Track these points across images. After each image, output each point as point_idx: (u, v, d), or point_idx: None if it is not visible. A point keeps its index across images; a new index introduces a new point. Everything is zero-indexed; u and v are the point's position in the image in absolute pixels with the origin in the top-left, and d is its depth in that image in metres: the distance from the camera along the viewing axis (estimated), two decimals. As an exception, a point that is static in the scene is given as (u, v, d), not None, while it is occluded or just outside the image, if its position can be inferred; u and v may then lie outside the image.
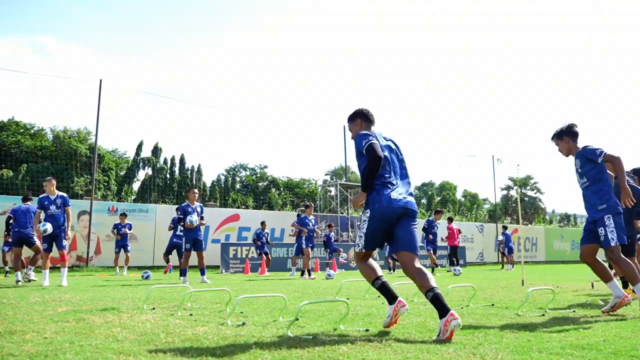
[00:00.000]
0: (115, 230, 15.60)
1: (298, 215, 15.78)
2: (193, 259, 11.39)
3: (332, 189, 32.02)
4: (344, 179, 30.44)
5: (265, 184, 50.11)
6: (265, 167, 51.84)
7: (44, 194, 9.51)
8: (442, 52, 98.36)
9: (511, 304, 5.80)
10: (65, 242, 9.47)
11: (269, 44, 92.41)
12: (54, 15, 79.48)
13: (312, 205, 14.35)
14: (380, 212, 3.94)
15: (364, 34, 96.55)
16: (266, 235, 16.97)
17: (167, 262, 14.66)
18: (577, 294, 7.22)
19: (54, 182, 9.66)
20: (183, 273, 10.74)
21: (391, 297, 3.98)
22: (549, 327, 4.00)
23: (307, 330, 3.91)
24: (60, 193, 9.60)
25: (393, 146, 4.27)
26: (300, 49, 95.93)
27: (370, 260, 4.14)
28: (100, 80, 18.16)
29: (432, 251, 15.84)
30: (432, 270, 16.00)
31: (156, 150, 41.28)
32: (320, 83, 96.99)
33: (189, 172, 43.59)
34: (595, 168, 5.22)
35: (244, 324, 4.18)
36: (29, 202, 10.68)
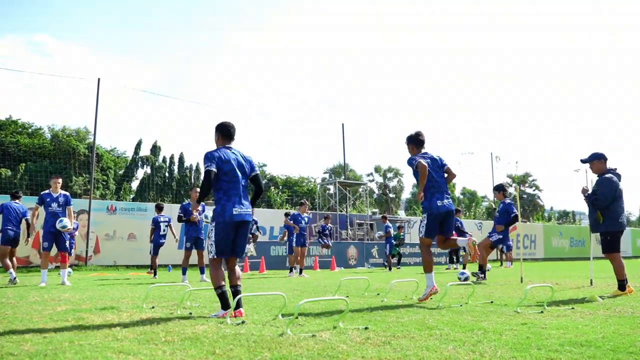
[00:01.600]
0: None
1: (286, 215, 15.64)
2: (193, 258, 11.37)
3: (331, 187, 32.04)
4: (343, 177, 30.43)
5: (263, 182, 50.07)
6: (264, 165, 51.83)
7: (46, 191, 9.48)
8: (440, 51, 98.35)
9: (510, 301, 5.81)
10: (67, 244, 9.46)
11: (268, 43, 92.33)
12: (52, 14, 79.33)
13: (307, 203, 14.35)
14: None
15: (364, 33, 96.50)
16: (255, 222, 16.00)
17: (155, 265, 13.13)
18: (576, 291, 7.23)
19: (60, 181, 9.64)
20: (183, 272, 10.73)
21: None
22: (548, 324, 4.01)
23: (306, 328, 3.92)
24: (63, 192, 9.58)
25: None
26: (300, 48, 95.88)
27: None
28: (99, 79, 18.12)
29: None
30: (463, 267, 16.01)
31: (155, 149, 41.23)
32: (319, 81, 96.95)
33: (188, 170, 43.56)
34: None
35: (243, 322, 4.19)
36: (17, 201, 10.38)
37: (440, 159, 6.29)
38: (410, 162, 6.14)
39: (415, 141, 6.32)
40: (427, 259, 6.22)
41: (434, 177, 6.07)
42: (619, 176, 6.80)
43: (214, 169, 4.66)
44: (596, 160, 6.90)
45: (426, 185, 5.94)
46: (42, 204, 9.33)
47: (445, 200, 6.02)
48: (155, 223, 12.93)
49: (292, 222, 13.91)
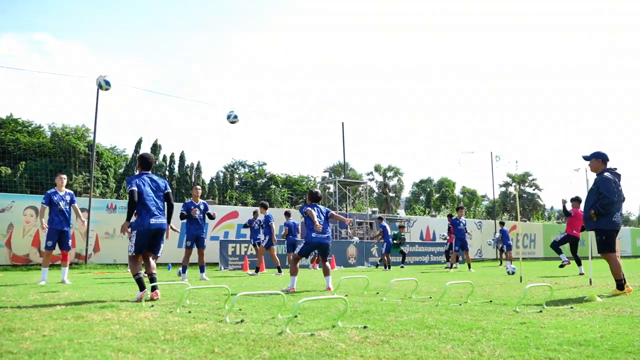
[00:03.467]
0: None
1: (287, 214, 16.07)
2: (193, 256, 11.37)
3: (331, 185, 32.02)
4: (343, 176, 30.42)
5: (264, 181, 50.10)
6: (264, 164, 51.84)
7: (53, 189, 9.47)
8: (441, 51, 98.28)
9: (509, 301, 5.81)
10: (70, 243, 9.47)
11: (269, 43, 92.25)
12: (53, 13, 79.27)
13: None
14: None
15: (364, 33, 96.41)
16: (259, 222, 15.99)
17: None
18: (575, 291, 7.24)
19: (65, 178, 9.64)
20: (183, 270, 10.74)
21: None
22: (547, 324, 4.01)
23: (305, 327, 3.92)
24: (68, 190, 9.59)
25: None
26: (300, 48, 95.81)
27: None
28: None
29: (458, 250, 15.68)
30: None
31: (155, 148, 41.26)
32: (320, 81, 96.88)
33: (189, 169, 43.59)
34: None
35: (242, 321, 4.19)
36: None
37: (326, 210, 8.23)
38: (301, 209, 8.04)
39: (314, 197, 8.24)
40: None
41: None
42: (618, 176, 6.81)
43: (135, 188, 6.18)
44: (594, 159, 6.92)
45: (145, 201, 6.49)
46: (50, 203, 9.29)
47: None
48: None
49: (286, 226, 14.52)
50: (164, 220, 6.36)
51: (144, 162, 6.54)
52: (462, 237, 15.44)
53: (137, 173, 6.54)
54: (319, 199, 8.27)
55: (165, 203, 6.51)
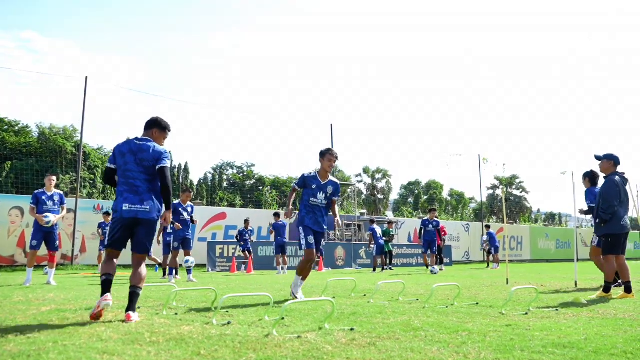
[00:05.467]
0: (100, 230, 15.42)
1: (276, 215, 16.20)
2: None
3: (320, 187, 31.99)
4: (331, 178, 30.42)
5: (252, 182, 49.98)
6: (252, 165, 51.72)
7: (40, 189, 9.37)
8: (430, 53, 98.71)
9: (495, 303, 5.85)
10: (57, 244, 9.37)
11: (257, 44, 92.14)
12: (40, 13, 78.60)
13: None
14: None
15: (353, 34, 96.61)
16: (249, 232, 16.95)
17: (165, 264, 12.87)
18: (561, 293, 7.30)
19: (54, 179, 9.53)
20: (170, 272, 10.70)
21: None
22: (532, 326, 4.04)
23: (292, 329, 3.92)
24: (57, 191, 9.48)
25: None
26: (289, 49, 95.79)
27: None
28: (86, 78, 18.01)
29: (427, 252, 15.74)
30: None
31: (142, 148, 40.92)
32: (308, 82, 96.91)
33: (176, 170, 43.38)
34: None
35: (229, 323, 4.18)
36: None
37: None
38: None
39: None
40: None
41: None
42: (625, 180, 6.85)
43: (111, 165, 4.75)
44: (605, 160, 6.93)
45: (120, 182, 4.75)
46: (37, 203, 9.19)
47: None
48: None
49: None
50: (146, 207, 4.58)
51: (146, 124, 4.89)
52: (430, 239, 15.54)
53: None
54: None
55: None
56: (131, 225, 4.57)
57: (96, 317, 4.26)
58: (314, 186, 6.55)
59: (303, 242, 6.47)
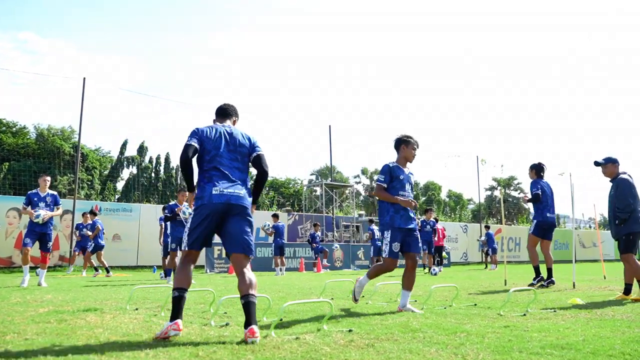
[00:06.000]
0: (77, 232, 15.30)
1: (274, 216, 16.14)
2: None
3: (318, 188, 32.05)
4: (330, 179, 30.45)
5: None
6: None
7: (34, 190, 9.33)
8: (427, 54, 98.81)
9: (493, 304, 5.85)
10: (51, 245, 9.33)
11: (256, 44, 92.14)
12: (38, 13, 78.50)
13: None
14: None
15: (351, 35, 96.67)
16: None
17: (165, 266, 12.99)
18: (559, 294, 7.31)
19: (48, 180, 9.48)
20: (167, 273, 10.68)
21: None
22: (530, 327, 4.05)
23: (290, 330, 3.92)
24: (51, 192, 9.44)
25: None
26: (286, 49, 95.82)
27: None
28: (84, 79, 18.00)
29: (426, 251, 15.79)
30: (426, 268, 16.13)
31: (142, 149, 40.95)
32: (307, 83, 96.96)
33: (174, 171, 43.33)
34: None
35: (227, 324, 4.18)
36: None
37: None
38: None
39: None
40: None
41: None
42: (631, 179, 6.82)
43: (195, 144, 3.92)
44: (610, 164, 6.90)
45: (208, 167, 4.03)
46: (29, 204, 9.14)
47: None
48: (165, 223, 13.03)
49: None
50: (239, 192, 3.92)
51: (218, 111, 4.33)
52: (428, 240, 15.58)
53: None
54: None
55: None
56: (221, 214, 3.82)
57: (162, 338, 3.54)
58: (401, 177, 5.59)
59: (386, 248, 5.48)
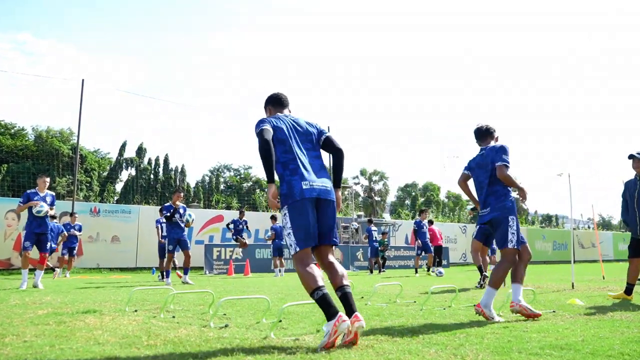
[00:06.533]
0: (65, 233, 15.19)
1: (273, 217, 16.01)
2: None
3: (317, 189, 31.97)
4: (329, 180, 30.38)
5: (249, 184, 49.96)
6: (250, 167, 51.70)
7: (32, 190, 9.31)
8: (426, 54, 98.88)
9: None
10: (48, 246, 9.32)
11: (256, 44, 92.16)
12: (36, 14, 78.48)
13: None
14: None
15: (349, 35, 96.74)
16: (244, 223, 16.26)
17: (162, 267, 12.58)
18: (558, 295, 7.31)
19: (47, 181, 9.46)
20: (166, 275, 10.68)
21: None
22: (529, 328, 4.05)
23: (290, 332, 3.92)
24: (49, 192, 9.43)
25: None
26: (286, 49, 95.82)
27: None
28: (83, 80, 18.01)
29: (420, 253, 15.81)
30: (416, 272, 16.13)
31: (140, 151, 40.95)
32: (306, 82, 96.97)
33: (173, 172, 43.31)
34: None
35: (227, 326, 4.18)
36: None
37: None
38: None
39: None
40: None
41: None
42: None
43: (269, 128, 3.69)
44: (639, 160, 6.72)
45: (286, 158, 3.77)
46: (27, 202, 9.11)
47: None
48: (161, 224, 13.07)
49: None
50: (326, 185, 3.76)
51: (275, 101, 4.11)
52: (424, 240, 15.57)
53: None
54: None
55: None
56: (312, 207, 3.68)
57: (350, 342, 3.31)
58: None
59: (513, 238, 4.93)
